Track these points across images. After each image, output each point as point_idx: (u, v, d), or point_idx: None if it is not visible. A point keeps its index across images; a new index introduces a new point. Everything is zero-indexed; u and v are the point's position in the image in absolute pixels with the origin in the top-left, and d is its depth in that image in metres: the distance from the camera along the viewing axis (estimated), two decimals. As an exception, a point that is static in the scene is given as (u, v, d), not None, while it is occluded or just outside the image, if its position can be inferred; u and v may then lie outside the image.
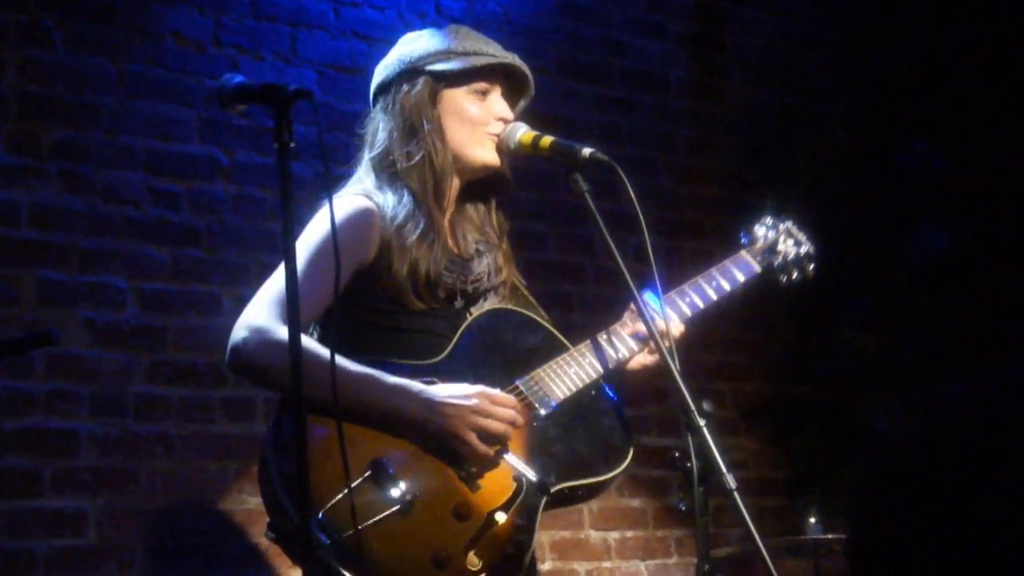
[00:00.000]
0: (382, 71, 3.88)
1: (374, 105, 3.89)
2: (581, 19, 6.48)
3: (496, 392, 3.60)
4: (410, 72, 3.80)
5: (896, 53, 7.14)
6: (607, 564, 6.15)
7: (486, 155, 3.80)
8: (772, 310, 6.83)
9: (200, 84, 5.37)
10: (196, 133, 5.36)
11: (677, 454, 3.43)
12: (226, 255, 5.34)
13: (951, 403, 1.59)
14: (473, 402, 3.53)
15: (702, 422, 3.32)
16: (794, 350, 6.84)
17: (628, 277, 3.53)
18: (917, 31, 7.13)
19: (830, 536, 5.42)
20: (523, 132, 3.75)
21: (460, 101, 3.80)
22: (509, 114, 3.83)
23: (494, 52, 3.84)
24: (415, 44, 3.86)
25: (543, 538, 5.87)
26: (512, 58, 3.86)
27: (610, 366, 3.79)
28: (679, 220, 6.58)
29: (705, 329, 6.54)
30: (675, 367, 3.42)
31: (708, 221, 6.71)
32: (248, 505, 5.22)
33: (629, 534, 6.23)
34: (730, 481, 3.26)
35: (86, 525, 4.97)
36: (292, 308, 2.95)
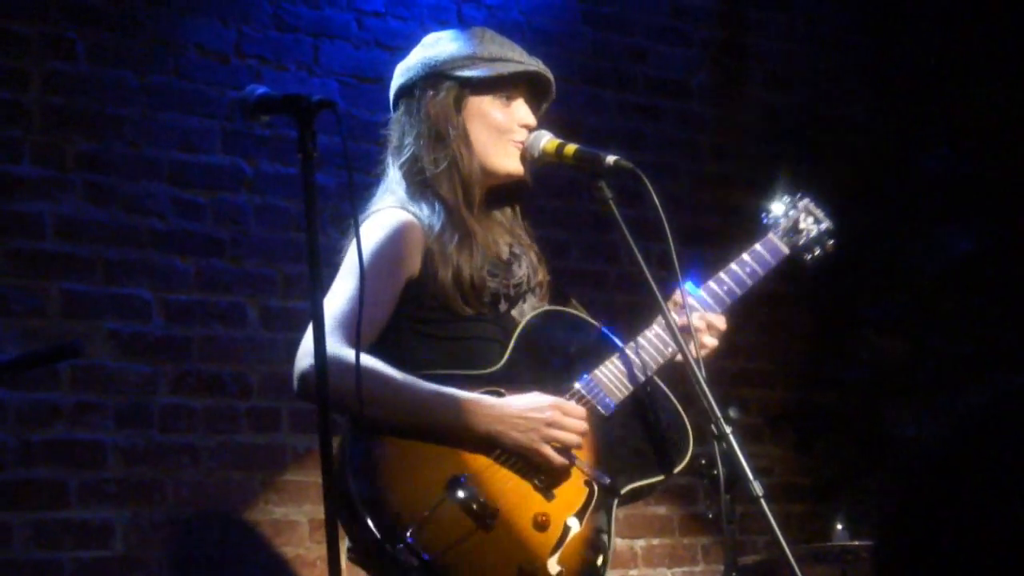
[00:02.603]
0: (404, 73, 3.85)
1: (395, 107, 3.87)
2: (603, 26, 6.48)
3: (567, 403, 3.59)
4: (435, 76, 3.78)
5: (918, 57, 7.12)
6: (633, 572, 6.14)
7: (510, 164, 3.78)
8: (796, 315, 6.82)
9: (223, 95, 5.38)
10: (220, 144, 5.37)
11: (703, 461, 3.44)
12: (250, 266, 5.34)
13: (977, 409, 1.59)
14: (547, 415, 3.52)
15: (728, 429, 3.31)
16: (819, 355, 6.82)
17: (653, 284, 3.52)
18: (939, 34, 7.11)
19: (857, 542, 5.40)
20: (547, 140, 3.73)
21: (485, 108, 3.77)
22: (533, 120, 3.81)
23: (519, 58, 3.82)
24: (438, 47, 3.83)
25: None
26: (537, 65, 3.84)
27: (662, 361, 3.75)
28: (702, 226, 6.57)
29: (729, 335, 6.53)
30: (701, 374, 3.42)
31: (732, 227, 6.69)
32: (274, 515, 5.22)
33: (655, 542, 6.21)
34: (756, 488, 3.26)
35: (112, 536, 4.98)
36: (316, 317, 2.95)
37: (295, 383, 3.54)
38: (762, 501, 3.23)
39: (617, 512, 3.66)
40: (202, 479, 5.18)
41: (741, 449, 3.29)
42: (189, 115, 5.32)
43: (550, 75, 3.86)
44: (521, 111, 3.80)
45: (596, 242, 6.20)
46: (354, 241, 3.64)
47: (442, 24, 5.89)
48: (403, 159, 3.77)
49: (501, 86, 3.79)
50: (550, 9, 6.31)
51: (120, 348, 5.08)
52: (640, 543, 6.16)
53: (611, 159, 3.60)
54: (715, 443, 3.34)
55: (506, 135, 3.78)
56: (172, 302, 5.20)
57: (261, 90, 3.11)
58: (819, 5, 7.18)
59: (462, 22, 5.96)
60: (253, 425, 5.27)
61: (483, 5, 6.08)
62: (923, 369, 6.71)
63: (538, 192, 5.78)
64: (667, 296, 3.73)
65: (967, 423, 1.59)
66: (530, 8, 6.24)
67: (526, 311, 3.79)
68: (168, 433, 5.13)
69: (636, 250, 3.50)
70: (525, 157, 3.78)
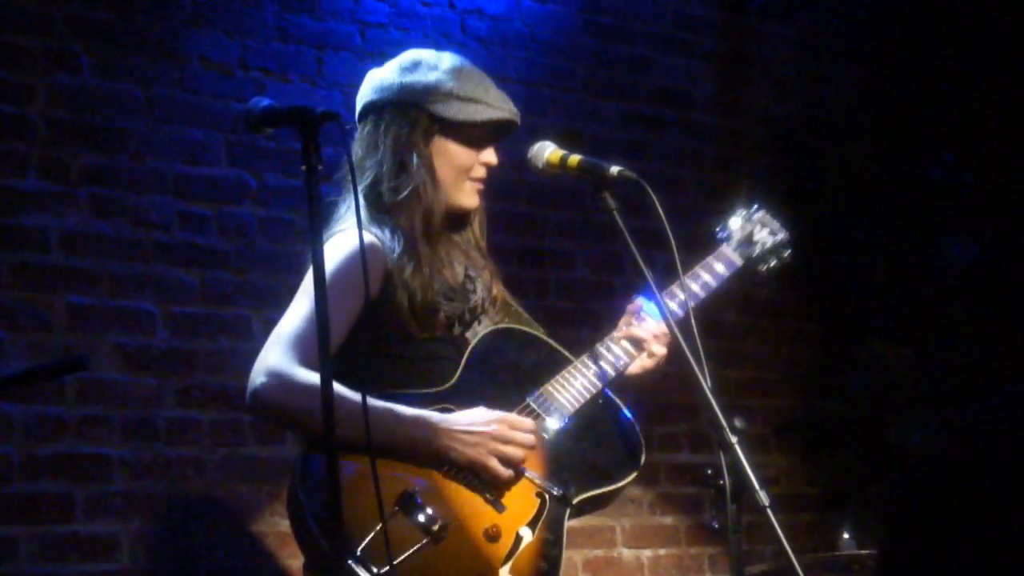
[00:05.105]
0: (378, 90, 3.90)
1: (362, 118, 3.92)
2: (606, 36, 6.48)
3: (513, 417, 3.68)
4: (408, 105, 3.84)
5: (922, 65, 7.12)
6: (640, 582, 6.14)
7: (467, 200, 3.89)
8: (802, 325, 6.81)
9: (227, 108, 5.39)
10: (224, 156, 5.37)
11: (709, 471, 3.42)
12: (255, 278, 5.34)
13: (982, 419, 1.58)
14: (493, 428, 3.60)
15: (734, 439, 3.31)
16: (824, 365, 6.82)
17: (658, 294, 3.54)
18: (943, 43, 7.11)
19: (864, 551, 5.40)
20: (551, 151, 3.75)
21: (451, 148, 3.85)
22: (495, 160, 3.90)
23: (493, 101, 3.87)
24: (416, 75, 3.87)
25: (576, 557, 5.86)
26: (509, 110, 3.89)
27: (613, 374, 3.85)
28: (706, 236, 6.56)
29: (734, 344, 6.54)
30: (706, 384, 3.41)
31: (737, 237, 6.70)
32: (280, 528, 5.22)
33: (662, 552, 6.21)
34: (763, 498, 3.25)
35: (119, 550, 4.98)
36: (322, 331, 2.95)
37: (247, 397, 3.58)
38: (769, 511, 3.23)
39: (571, 523, 3.73)
40: (208, 492, 5.17)
41: (747, 459, 3.28)
42: (194, 128, 5.33)
43: (519, 119, 3.92)
44: (486, 152, 3.89)
45: (601, 252, 6.20)
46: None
47: (445, 35, 5.90)
48: (364, 184, 3.81)
49: (471, 129, 3.85)
50: (553, 19, 6.32)
51: (125, 361, 5.08)
52: (647, 553, 6.16)
53: (615, 170, 3.61)
54: (721, 453, 3.34)
55: (466, 173, 3.87)
56: (177, 315, 5.20)
57: (265, 102, 3.11)
58: (821, 14, 7.19)
59: (465, 34, 5.97)
60: (259, 438, 5.27)
61: (486, 16, 6.09)
62: (929, 378, 6.71)
63: (543, 203, 5.81)
64: (623, 308, 3.95)
65: (973, 432, 1.59)
66: (533, 19, 6.24)
67: (478, 331, 3.85)
68: (174, 446, 5.13)
69: (641, 260, 3.51)
70: (483, 192, 3.89)
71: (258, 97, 3.17)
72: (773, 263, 4.26)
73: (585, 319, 6.03)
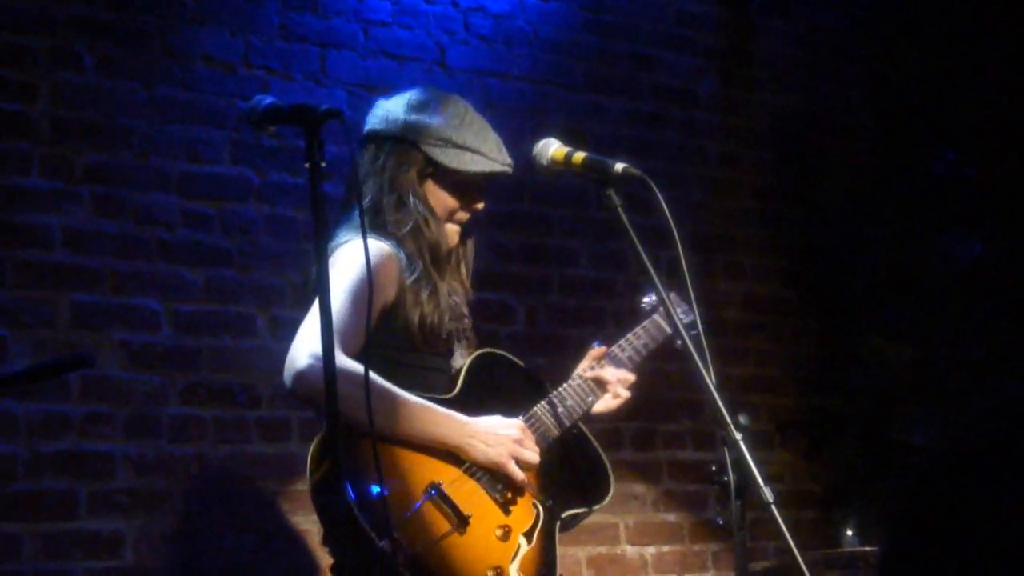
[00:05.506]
0: (383, 120, 4.04)
1: (365, 141, 4.06)
2: (609, 34, 6.48)
3: (527, 426, 3.92)
4: (407, 143, 3.98)
5: (924, 61, 7.11)
6: (644, 579, 6.14)
7: (448, 240, 4.04)
8: (804, 322, 6.81)
9: (231, 106, 5.39)
10: (228, 154, 5.37)
11: (713, 468, 3.43)
12: (259, 276, 5.35)
13: (984, 415, 1.59)
14: (512, 433, 3.83)
15: (738, 436, 3.31)
16: (827, 361, 6.82)
17: (663, 291, 3.56)
18: (945, 38, 7.11)
19: (867, 548, 5.40)
20: (555, 148, 3.79)
21: (441, 191, 4.01)
22: (482, 206, 4.08)
23: (488, 152, 4.01)
24: (421, 114, 4.00)
25: (580, 554, 5.87)
26: (502, 163, 4.03)
27: (584, 407, 4.10)
28: (711, 233, 6.57)
29: (737, 341, 6.54)
30: (711, 381, 3.41)
31: (740, 234, 6.70)
32: (284, 525, 5.22)
33: (666, 549, 6.21)
34: (767, 494, 3.26)
35: (123, 547, 4.98)
36: (325, 328, 2.96)
37: (291, 380, 3.63)
38: (773, 507, 3.23)
39: (560, 534, 3.95)
40: (212, 489, 5.18)
41: (751, 455, 3.29)
42: (197, 126, 5.33)
43: (511, 169, 4.06)
44: (475, 200, 4.07)
45: (605, 250, 6.20)
46: (342, 261, 3.76)
47: (448, 33, 5.90)
48: (366, 201, 3.95)
49: (463, 177, 4.00)
50: (556, 17, 6.32)
51: (129, 358, 5.08)
52: (651, 550, 6.16)
53: (620, 167, 3.64)
54: (726, 450, 3.35)
55: (451, 215, 4.03)
56: (181, 312, 5.20)
57: (268, 100, 3.12)
58: (822, 11, 7.18)
59: (468, 32, 5.96)
60: (263, 435, 5.28)
61: (489, 14, 6.09)
62: (930, 375, 6.71)
63: (547, 200, 5.81)
64: (584, 353, 4.22)
65: (974, 430, 1.59)
66: (536, 17, 6.24)
67: (456, 354, 4.07)
68: (178, 443, 5.13)
69: (645, 257, 3.52)
70: (465, 228, 4.09)
71: (261, 95, 3.18)
72: (679, 342, 4.32)
73: (588, 316, 6.04)
